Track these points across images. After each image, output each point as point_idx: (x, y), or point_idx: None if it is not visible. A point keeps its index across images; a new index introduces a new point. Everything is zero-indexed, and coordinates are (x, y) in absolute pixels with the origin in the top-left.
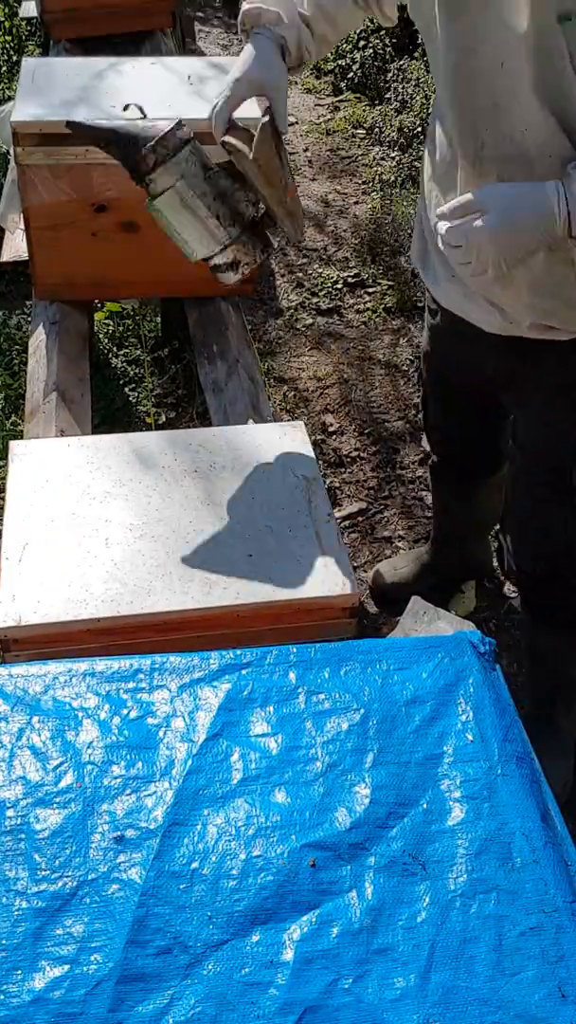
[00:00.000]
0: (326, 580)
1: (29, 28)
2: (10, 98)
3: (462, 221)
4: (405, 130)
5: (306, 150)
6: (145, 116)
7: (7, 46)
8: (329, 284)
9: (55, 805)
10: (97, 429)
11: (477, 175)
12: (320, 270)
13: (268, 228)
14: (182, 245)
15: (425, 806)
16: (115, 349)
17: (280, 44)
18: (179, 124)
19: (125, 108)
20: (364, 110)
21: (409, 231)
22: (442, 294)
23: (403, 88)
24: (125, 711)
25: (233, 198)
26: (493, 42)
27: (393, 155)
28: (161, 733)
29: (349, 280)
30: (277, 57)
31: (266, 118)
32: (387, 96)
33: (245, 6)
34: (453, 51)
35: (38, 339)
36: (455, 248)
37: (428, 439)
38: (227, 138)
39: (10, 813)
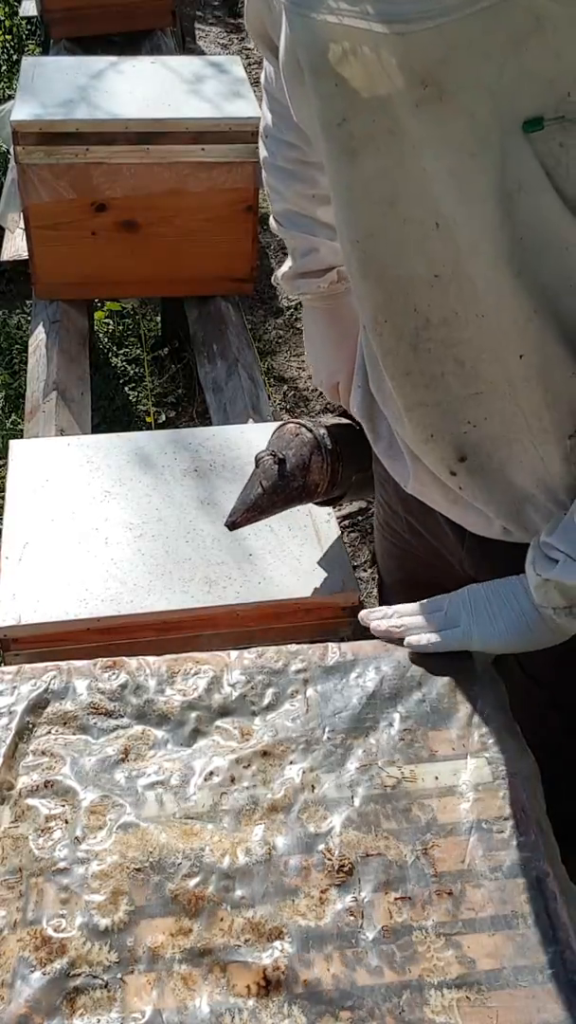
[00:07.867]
0: (326, 580)
1: (29, 27)
2: (10, 97)
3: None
4: None
5: None
6: (281, 460)
7: (7, 45)
8: None
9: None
10: (97, 428)
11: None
12: None
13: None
14: None
15: None
16: (115, 348)
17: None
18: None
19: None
20: None
21: None
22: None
23: None
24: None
25: None
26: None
27: None
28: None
29: None
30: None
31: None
32: None
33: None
34: (354, 217)
35: (38, 338)
36: None
37: None
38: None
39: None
